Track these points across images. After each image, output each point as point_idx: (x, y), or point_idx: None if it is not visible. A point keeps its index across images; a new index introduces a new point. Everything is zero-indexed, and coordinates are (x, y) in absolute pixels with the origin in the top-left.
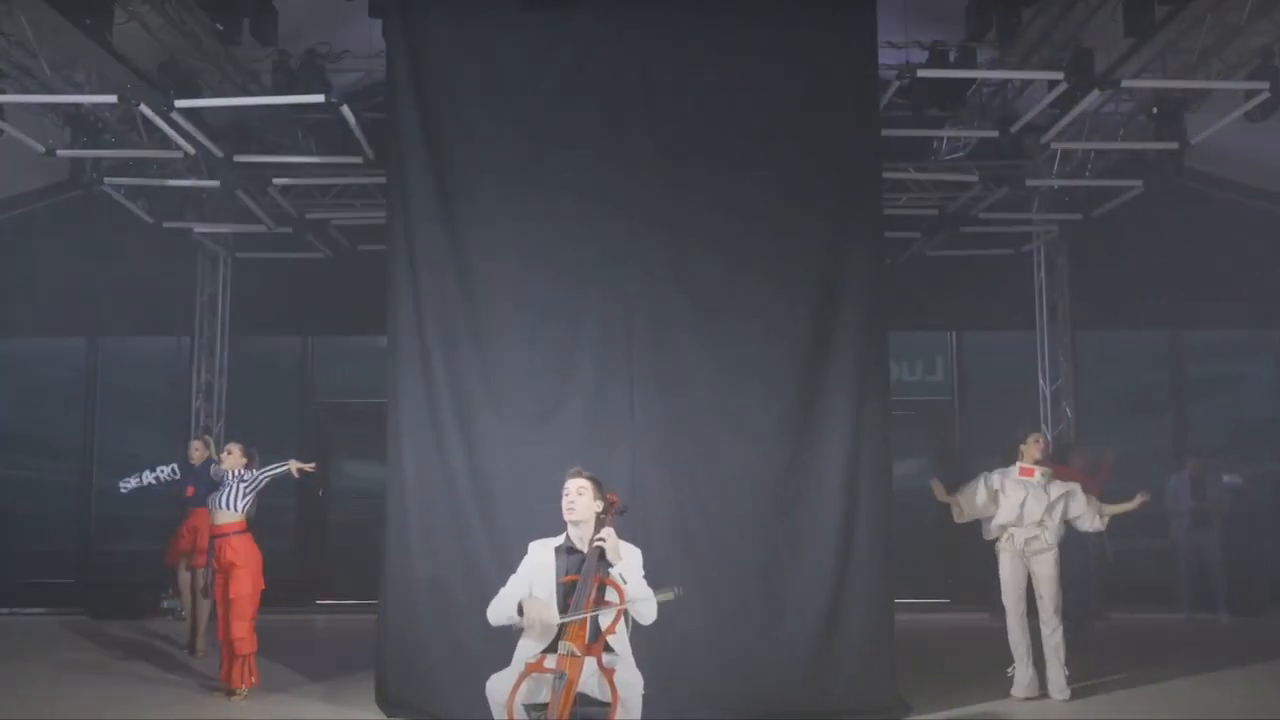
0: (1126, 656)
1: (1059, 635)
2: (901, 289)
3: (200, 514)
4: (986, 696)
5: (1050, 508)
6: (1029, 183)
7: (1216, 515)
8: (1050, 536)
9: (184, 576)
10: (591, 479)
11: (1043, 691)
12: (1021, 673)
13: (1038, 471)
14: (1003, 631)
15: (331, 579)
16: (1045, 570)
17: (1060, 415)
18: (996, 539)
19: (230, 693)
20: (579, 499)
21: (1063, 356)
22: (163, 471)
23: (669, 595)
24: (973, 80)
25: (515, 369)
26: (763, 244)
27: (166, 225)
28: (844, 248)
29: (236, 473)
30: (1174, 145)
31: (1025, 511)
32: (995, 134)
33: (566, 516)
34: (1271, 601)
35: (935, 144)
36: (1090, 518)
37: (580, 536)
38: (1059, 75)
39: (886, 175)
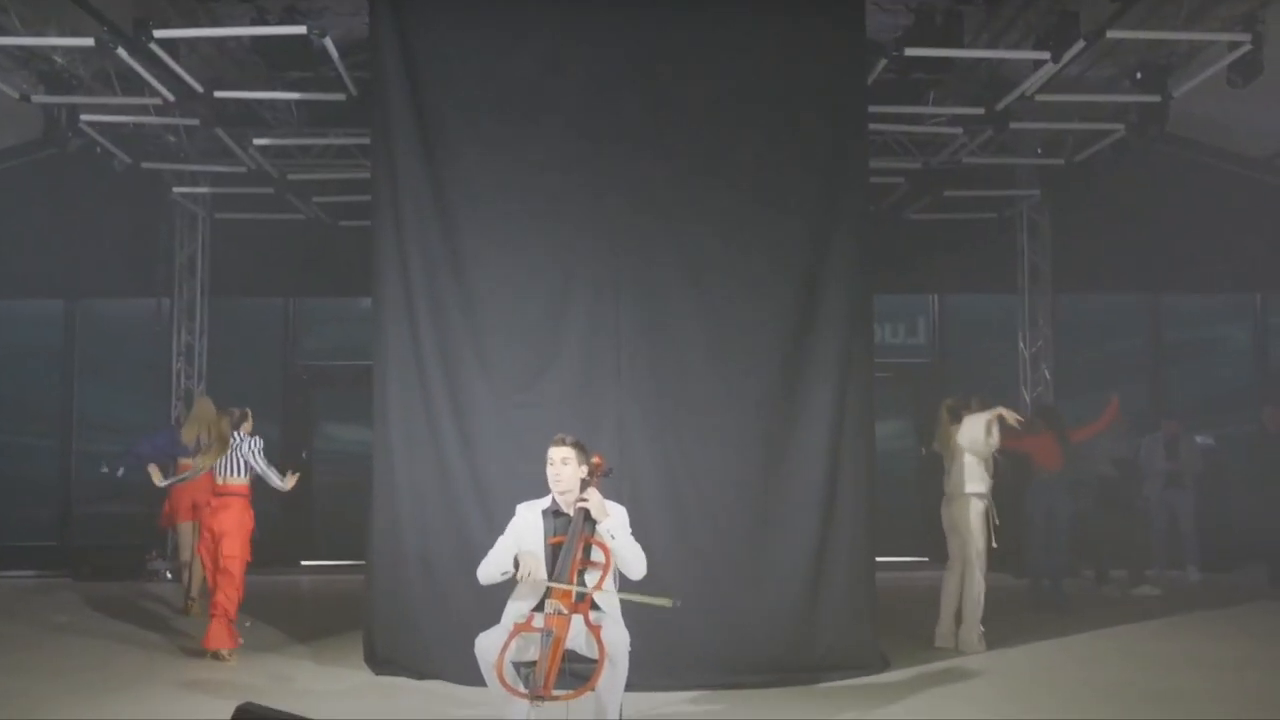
0: (1091, 612)
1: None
2: (884, 251)
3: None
4: (960, 651)
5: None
6: (1013, 125)
7: (1189, 476)
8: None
9: (185, 536)
10: (575, 445)
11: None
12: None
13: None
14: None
15: (315, 541)
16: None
17: (1039, 378)
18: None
19: (215, 656)
20: (564, 468)
21: (1043, 319)
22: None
23: (665, 603)
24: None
25: (503, 332)
26: (749, 206)
27: (145, 166)
28: (830, 212)
29: (239, 437)
30: (1157, 98)
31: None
32: (981, 111)
33: (553, 487)
34: (1238, 558)
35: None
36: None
37: (566, 501)
38: (1045, 55)
39: (872, 130)
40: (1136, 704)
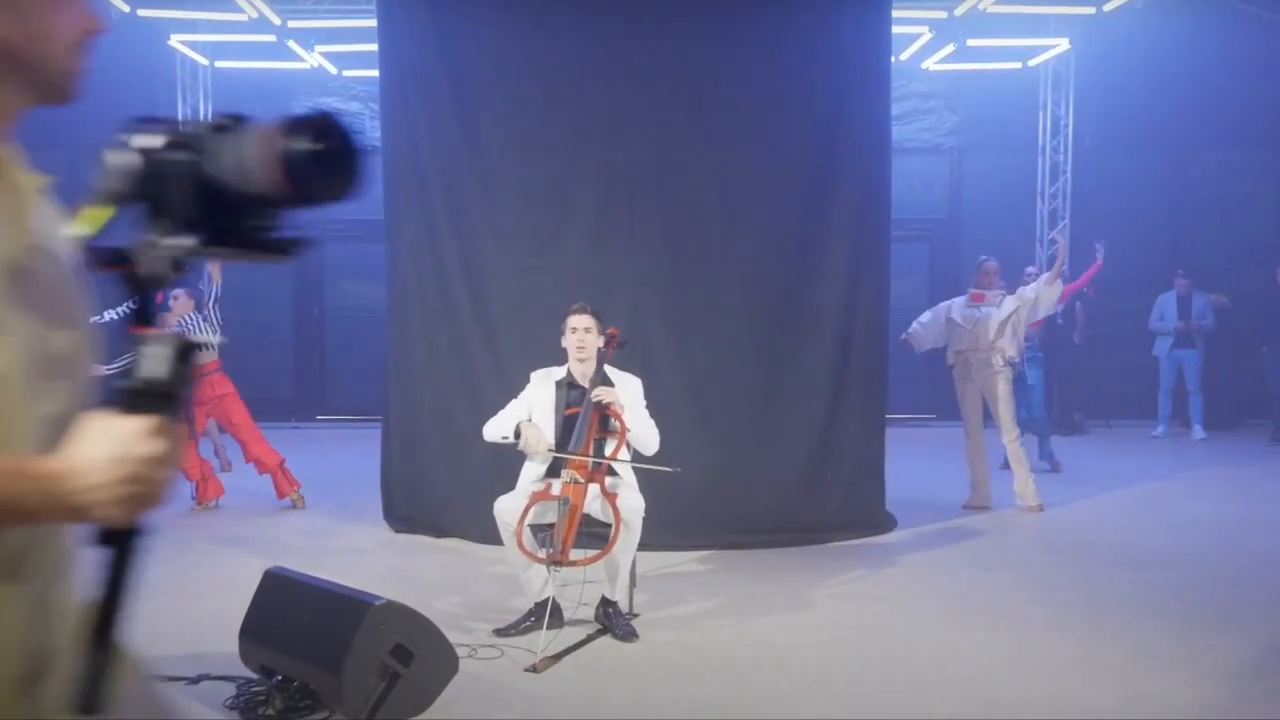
0: (1095, 468)
1: (1018, 448)
2: (904, 106)
3: None
4: (963, 510)
5: (1003, 326)
6: None
7: (1200, 334)
8: (1000, 360)
9: None
10: (595, 313)
11: (1019, 503)
12: (980, 482)
13: (988, 295)
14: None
15: (330, 395)
16: (998, 391)
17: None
18: (953, 364)
19: (294, 504)
20: (586, 336)
21: (1062, 175)
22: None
23: (665, 470)
24: None
25: (515, 194)
26: (767, 64)
27: (141, 14)
28: (850, 64)
29: (189, 317)
30: None
31: (978, 336)
32: None
33: (575, 355)
34: (1243, 417)
35: None
36: (1049, 303)
37: (583, 373)
38: None
39: None
40: (1137, 564)
